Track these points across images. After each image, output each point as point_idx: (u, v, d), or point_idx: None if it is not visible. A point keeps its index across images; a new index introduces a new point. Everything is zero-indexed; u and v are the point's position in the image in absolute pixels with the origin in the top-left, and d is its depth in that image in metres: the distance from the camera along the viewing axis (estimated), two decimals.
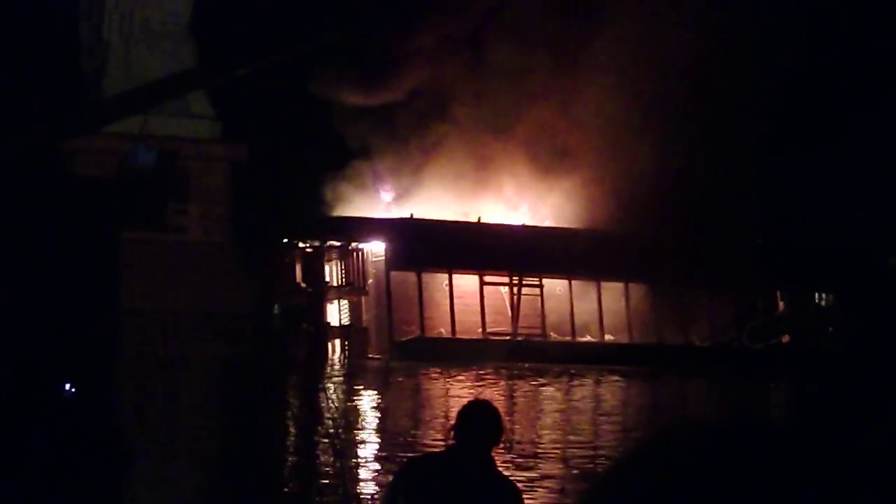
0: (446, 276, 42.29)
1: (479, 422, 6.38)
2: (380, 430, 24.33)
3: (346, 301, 43.43)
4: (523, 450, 20.41)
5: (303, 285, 43.53)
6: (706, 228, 43.80)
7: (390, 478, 6.96)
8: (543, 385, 34.05)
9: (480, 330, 42.18)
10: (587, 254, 42.34)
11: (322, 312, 43.02)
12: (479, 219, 44.61)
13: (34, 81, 43.18)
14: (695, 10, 43.20)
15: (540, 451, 21.30)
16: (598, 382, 35.68)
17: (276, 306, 42.78)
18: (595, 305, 43.51)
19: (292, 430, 24.21)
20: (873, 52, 47.79)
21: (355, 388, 32.58)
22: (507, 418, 22.60)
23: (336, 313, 43.40)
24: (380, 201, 45.81)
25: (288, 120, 47.05)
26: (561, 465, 20.04)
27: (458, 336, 41.60)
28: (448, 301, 42.17)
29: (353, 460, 19.56)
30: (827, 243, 47.52)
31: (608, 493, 1.91)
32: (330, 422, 23.97)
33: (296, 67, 40.71)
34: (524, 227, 45.07)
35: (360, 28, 40.37)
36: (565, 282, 43.42)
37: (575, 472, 19.16)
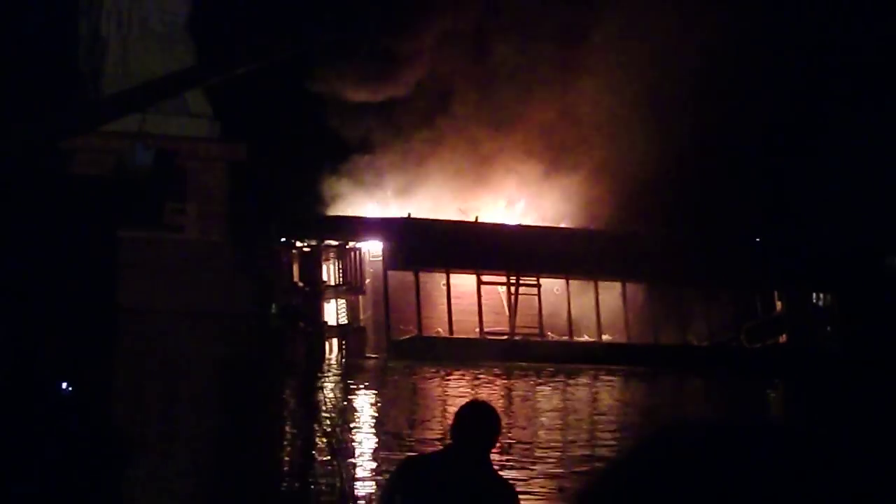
0: (444, 275, 42.30)
1: (477, 423, 6.36)
2: (377, 428, 24.32)
3: (343, 300, 43.41)
4: (520, 449, 20.40)
5: (300, 285, 43.51)
6: (704, 228, 43.83)
7: (387, 477, 6.95)
8: (540, 384, 34.06)
9: (478, 329, 42.17)
10: (584, 253, 42.37)
11: (319, 312, 43.00)
12: (477, 218, 44.61)
13: (32, 80, 43.16)
14: (696, 6, 43.20)
15: (537, 450, 21.30)
16: (595, 382, 35.69)
17: (274, 305, 42.76)
18: (592, 305, 43.51)
19: (290, 428, 24.21)
20: (874, 49, 47.77)
21: (353, 387, 32.58)
22: (504, 418, 22.59)
23: (333, 313, 43.38)
24: (378, 200, 45.80)
25: (286, 119, 47.05)
26: (558, 465, 20.03)
27: (455, 335, 41.60)
28: (445, 300, 42.17)
29: (351, 459, 19.57)
30: (825, 243, 47.49)
31: (604, 493, 1.90)
32: (328, 421, 23.98)
33: (295, 66, 40.71)
34: (521, 226, 45.08)
35: (360, 26, 40.38)
36: (562, 281, 43.41)
37: (572, 471, 19.15)
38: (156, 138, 32.45)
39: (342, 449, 20.19)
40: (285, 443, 22.52)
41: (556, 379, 35.35)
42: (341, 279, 43.65)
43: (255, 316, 41.34)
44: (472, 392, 32.22)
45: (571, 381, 35.39)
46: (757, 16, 43.17)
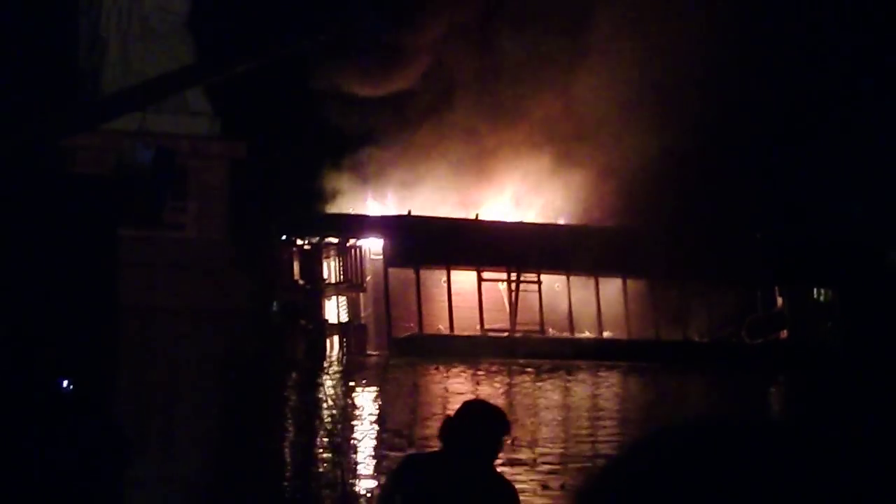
0: (444, 272, 42.31)
1: (482, 424, 6.28)
2: (378, 426, 24.32)
3: (344, 298, 43.43)
4: (521, 446, 20.40)
5: (301, 282, 43.53)
6: (705, 224, 43.83)
7: (388, 475, 6.94)
8: (542, 381, 34.06)
9: (478, 326, 42.19)
10: (585, 250, 42.37)
11: (320, 309, 43.02)
12: (477, 216, 44.62)
13: (32, 78, 43.16)
14: (698, 4, 43.20)
15: (538, 447, 21.30)
16: (596, 378, 35.69)
17: (275, 303, 42.78)
18: (593, 301, 43.52)
19: (291, 426, 24.22)
20: (874, 45, 47.75)
21: (354, 384, 32.59)
22: (506, 413, 22.58)
23: (334, 310, 43.40)
24: (379, 195, 45.81)
25: (286, 116, 47.03)
26: (560, 462, 20.04)
27: (456, 332, 41.62)
28: (446, 297, 42.19)
29: (352, 456, 19.57)
30: (826, 238, 47.50)
31: (604, 492, 1.90)
32: (329, 418, 23.99)
33: (295, 63, 40.70)
34: (522, 223, 45.09)
35: (359, 24, 40.34)
36: (563, 278, 43.42)
37: (574, 468, 19.16)
38: (156, 137, 32.45)
39: (343, 446, 20.21)
40: (286, 440, 22.53)
41: (557, 375, 35.36)
42: (342, 276, 43.67)
43: (255, 314, 41.35)
44: (473, 388, 32.24)
45: (572, 378, 35.39)
46: (759, 12, 43.14)
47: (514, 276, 43.07)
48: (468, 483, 6.16)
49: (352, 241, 43.24)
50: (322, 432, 22.18)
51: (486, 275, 42.74)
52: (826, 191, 48.38)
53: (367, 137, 45.65)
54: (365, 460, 19.95)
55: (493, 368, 35.83)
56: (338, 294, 43.54)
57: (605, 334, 43.59)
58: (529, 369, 36.00)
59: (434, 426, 23.52)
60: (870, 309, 45.02)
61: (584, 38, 45.13)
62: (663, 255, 42.16)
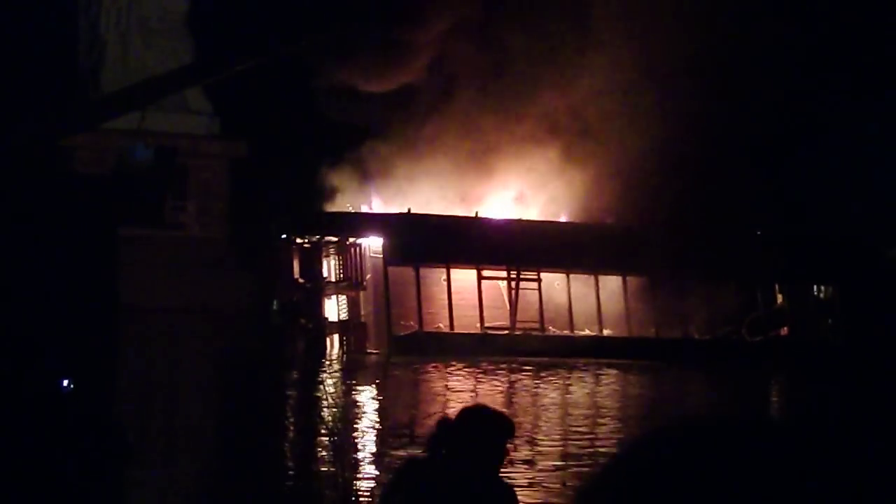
0: (444, 270, 42.30)
1: (487, 432, 6.20)
2: (379, 424, 24.33)
3: (343, 296, 43.44)
4: (522, 445, 20.39)
5: (301, 281, 43.54)
6: (705, 221, 43.80)
7: (389, 476, 6.93)
8: (541, 379, 34.06)
9: (478, 324, 42.19)
10: (585, 247, 42.36)
11: (320, 308, 43.03)
12: (477, 213, 44.62)
13: (32, 78, 43.17)
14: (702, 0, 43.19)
15: (538, 445, 21.31)
16: (596, 376, 35.70)
17: (275, 302, 42.80)
18: (593, 299, 43.51)
19: (291, 425, 24.23)
20: (874, 42, 47.75)
21: (354, 382, 32.60)
22: (507, 412, 22.59)
23: (334, 309, 43.41)
24: (379, 192, 45.81)
25: (285, 115, 47.04)
26: (560, 460, 20.05)
27: (456, 331, 41.62)
28: (446, 296, 42.18)
29: (352, 455, 19.57)
30: (826, 235, 47.51)
31: (605, 491, 1.90)
32: (329, 416, 23.99)
33: (294, 62, 40.70)
34: (521, 221, 45.06)
35: (359, 23, 40.34)
36: (563, 276, 43.42)
37: (575, 466, 19.16)
38: (156, 136, 32.46)
39: (343, 445, 20.21)
40: (286, 439, 22.53)
41: (558, 373, 35.36)
42: (342, 275, 43.68)
43: (255, 312, 41.39)
44: (473, 386, 32.25)
45: (572, 376, 35.40)
46: (762, 9, 43.11)
47: (513, 273, 43.06)
48: (471, 490, 6.13)
49: (351, 240, 43.25)
50: (322, 431, 22.18)
51: (485, 273, 42.73)
52: (826, 188, 48.39)
53: (368, 133, 45.63)
54: (365, 459, 19.95)
55: (493, 366, 35.83)
56: (338, 292, 43.55)
57: (606, 332, 43.57)
58: (529, 367, 36.00)
59: (433, 423, 23.52)
60: (870, 306, 45.02)
61: (587, 33, 45.10)
62: (663, 252, 42.13)
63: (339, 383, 32.76)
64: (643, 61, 44.14)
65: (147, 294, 37.11)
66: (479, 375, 34.30)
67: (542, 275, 43.24)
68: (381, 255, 42.46)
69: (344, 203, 45.18)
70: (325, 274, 43.78)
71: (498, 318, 42.69)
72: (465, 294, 42.47)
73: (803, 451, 1.81)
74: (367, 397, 30.17)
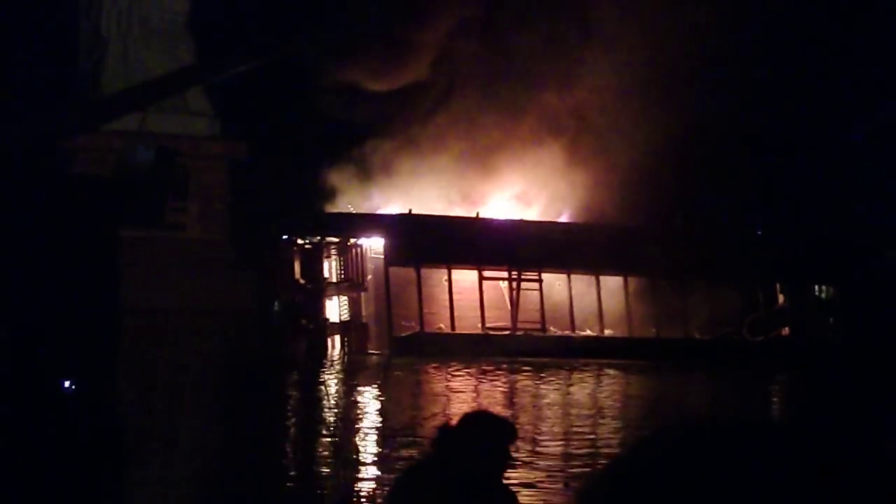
0: (445, 271, 42.30)
1: (489, 438, 6.18)
2: (380, 425, 24.32)
3: (345, 297, 43.44)
4: (523, 445, 20.39)
5: (302, 281, 43.52)
6: (706, 221, 43.81)
7: (392, 481, 6.93)
8: (543, 379, 34.05)
9: (480, 325, 42.19)
10: (586, 248, 42.37)
11: (321, 309, 43.03)
12: (478, 214, 44.62)
13: (32, 78, 43.17)
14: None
15: (540, 446, 21.31)
16: (597, 376, 35.69)
17: (276, 303, 42.79)
18: (594, 299, 43.51)
19: (292, 425, 24.23)
20: (874, 43, 47.74)
21: (355, 383, 32.59)
22: (507, 413, 22.61)
23: (335, 309, 43.41)
24: (380, 192, 45.81)
25: (286, 116, 47.02)
26: (562, 461, 20.04)
27: (457, 331, 41.62)
28: (447, 296, 42.19)
29: (353, 455, 19.57)
30: (827, 235, 47.51)
31: (606, 491, 1.90)
32: (330, 417, 23.99)
33: (295, 63, 40.67)
34: (522, 221, 45.07)
35: (360, 22, 40.33)
36: (564, 276, 43.42)
37: (576, 467, 19.16)
38: (156, 137, 32.44)
39: (344, 445, 20.22)
40: (287, 440, 22.53)
41: (558, 373, 35.35)
42: (343, 276, 43.67)
43: (256, 313, 41.35)
44: (475, 387, 32.24)
45: (574, 376, 35.39)
46: (763, 9, 43.09)
47: (515, 274, 43.06)
48: (473, 495, 6.11)
49: (352, 241, 43.24)
50: (323, 432, 22.18)
51: (487, 273, 42.74)
52: (826, 188, 48.36)
53: (369, 132, 45.62)
54: (366, 459, 19.95)
55: (494, 367, 35.82)
56: (339, 293, 43.55)
57: (607, 332, 43.58)
58: (530, 368, 35.99)
59: (435, 425, 23.52)
60: (871, 306, 45.02)
61: (590, 33, 45.10)
62: (664, 252, 42.13)
63: (340, 384, 32.75)
64: (645, 61, 44.15)
65: (148, 295, 37.04)
66: (480, 376, 34.30)
67: (543, 275, 43.24)
68: (382, 256, 42.47)
69: (345, 203, 45.18)
70: (325, 274, 43.77)
71: (499, 318, 42.69)
72: (467, 294, 42.47)
73: (803, 452, 1.81)
74: (368, 398, 30.16)
